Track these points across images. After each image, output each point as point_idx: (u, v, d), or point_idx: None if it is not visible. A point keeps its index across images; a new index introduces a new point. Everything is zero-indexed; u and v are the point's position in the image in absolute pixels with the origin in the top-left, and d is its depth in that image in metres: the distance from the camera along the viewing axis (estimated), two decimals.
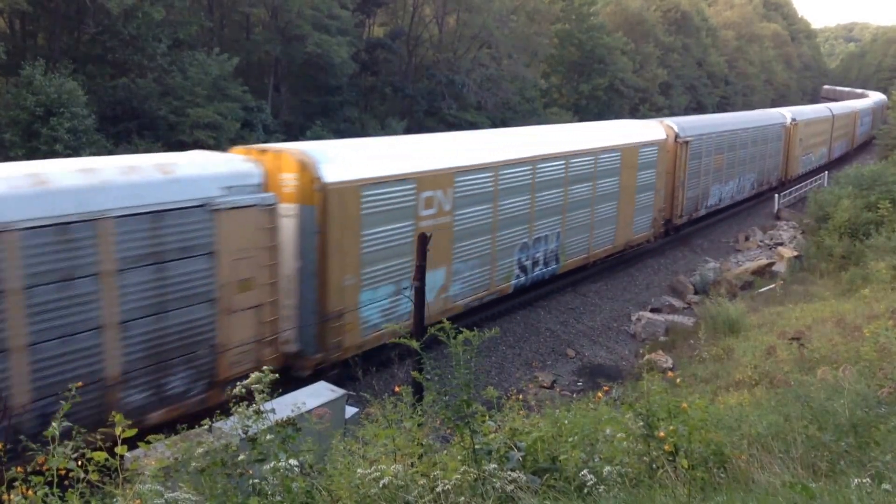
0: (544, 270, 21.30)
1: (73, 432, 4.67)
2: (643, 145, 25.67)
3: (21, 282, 9.74)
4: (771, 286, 23.74)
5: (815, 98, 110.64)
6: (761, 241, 32.99)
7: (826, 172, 45.85)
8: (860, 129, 64.16)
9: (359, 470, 4.83)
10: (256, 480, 4.50)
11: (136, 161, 12.07)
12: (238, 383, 5.03)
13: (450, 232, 17.26)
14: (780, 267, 26.69)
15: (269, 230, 12.94)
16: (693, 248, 31.00)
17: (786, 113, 43.89)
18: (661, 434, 5.30)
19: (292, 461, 4.47)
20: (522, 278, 20.38)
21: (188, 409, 11.84)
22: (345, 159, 14.99)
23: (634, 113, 57.43)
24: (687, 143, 28.94)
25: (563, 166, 21.21)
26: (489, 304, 19.58)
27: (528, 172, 19.74)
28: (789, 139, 42.32)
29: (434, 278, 16.43)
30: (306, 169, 13.95)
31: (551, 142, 21.71)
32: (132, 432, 4.75)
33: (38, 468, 4.55)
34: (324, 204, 13.92)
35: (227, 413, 5.35)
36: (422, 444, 5.30)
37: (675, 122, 29.34)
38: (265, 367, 5.09)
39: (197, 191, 11.82)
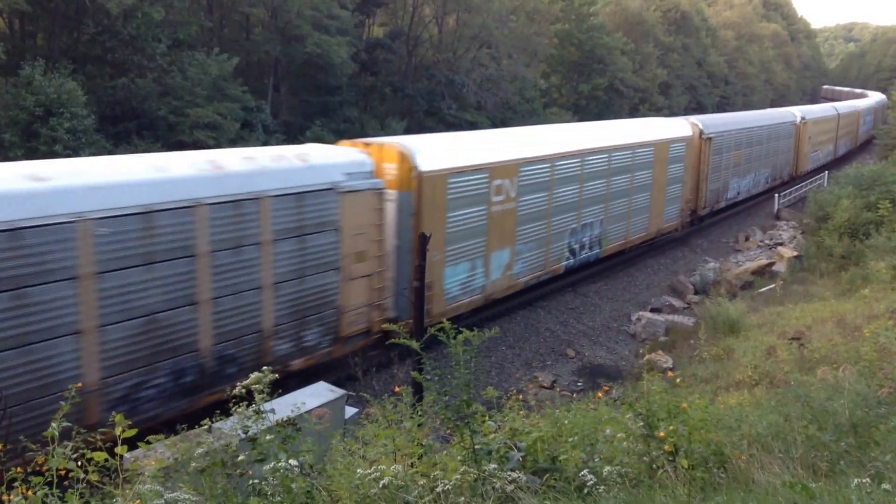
0: (589, 254, 23.62)
1: (73, 433, 4.67)
2: (672, 141, 27.89)
3: (208, 247, 12.01)
4: (771, 286, 23.73)
5: (814, 98, 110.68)
6: (761, 241, 32.99)
7: (826, 172, 46.01)
8: (863, 128, 65.68)
9: (359, 470, 4.83)
10: (256, 481, 4.50)
11: (282, 151, 14.67)
12: (238, 384, 5.03)
13: (514, 217, 19.48)
14: (780, 267, 26.69)
15: (378, 211, 15.39)
16: (693, 248, 31.00)
17: (796, 112, 45.77)
18: (661, 434, 5.29)
19: (292, 461, 4.46)
20: (571, 260, 22.67)
21: (318, 360, 14.38)
22: (434, 151, 17.18)
23: (634, 113, 57.43)
24: (710, 139, 31.09)
25: (606, 159, 23.50)
26: (537, 286, 21.67)
27: (578, 165, 22.05)
28: (799, 137, 44.15)
29: (500, 258, 19.06)
30: (405, 159, 16.15)
31: (597, 137, 23.98)
32: (132, 433, 4.75)
33: (37, 468, 4.55)
34: (419, 190, 16.17)
35: (229, 410, 5.34)
36: (422, 445, 5.30)
37: (700, 120, 31.52)
38: (264, 368, 5.09)
39: (327, 176, 14.28)
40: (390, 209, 15.90)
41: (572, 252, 22.52)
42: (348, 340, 15.02)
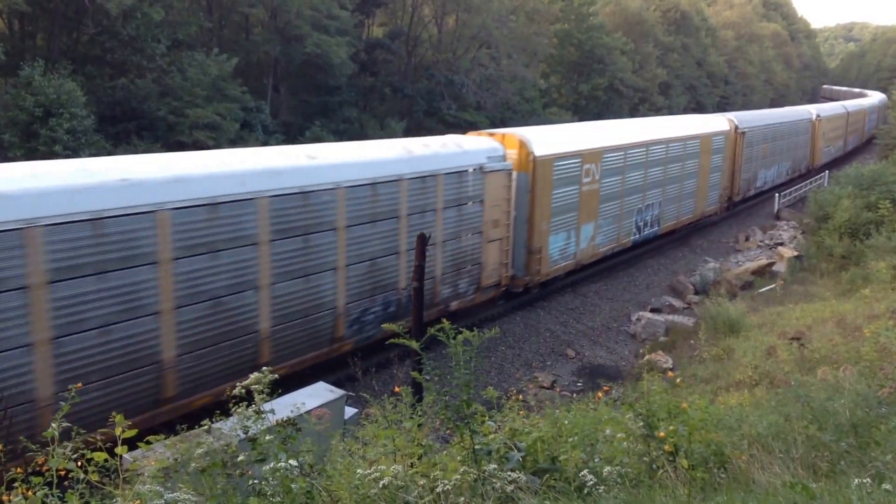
0: (649, 231, 27.36)
1: (73, 433, 4.67)
2: (714, 134, 31.80)
3: (406, 211, 15.91)
4: (771, 286, 23.72)
5: (814, 98, 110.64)
6: (761, 241, 32.97)
7: (827, 172, 46.19)
8: (868, 125, 68.52)
9: (359, 470, 4.82)
10: (256, 481, 4.49)
11: (443, 140, 18.45)
12: (237, 383, 5.03)
13: (597, 196, 23.27)
14: (780, 267, 26.67)
15: (507, 187, 19.10)
16: (693, 248, 31.01)
17: (812, 109, 49.90)
18: (662, 434, 5.29)
19: (292, 462, 4.46)
20: (637, 236, 26.38)
21: (464, 305, 18.46)
22: (542, 140, 20.75)
23: (634, 113, 57.43)
24: (744, 133, 35.00)
25: (664, 149, 27.28)
26: (611, 256, 25.43)
27: (643, 153, 25.72)
28: (815, 133, 47.91)
29: (587, 230, 23.22)
30: (524, 146, 19.86)
31: (657, 130, 27.89)
32: (132, 433, 4.75)
33: (37, 468, 4.54)
34: (533, 171, 19.91)
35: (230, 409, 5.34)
36: (421, 445, 5.29)
37: (735, 116, 35.86)
38: (264, 368, 5.08)
39: (476, 159, 18.03)
40: (513, 186, 19.52)
41: (638, 228, 26.35)
42: (485, 290, 19.15)
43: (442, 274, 17.35)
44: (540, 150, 20.07)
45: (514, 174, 19.44)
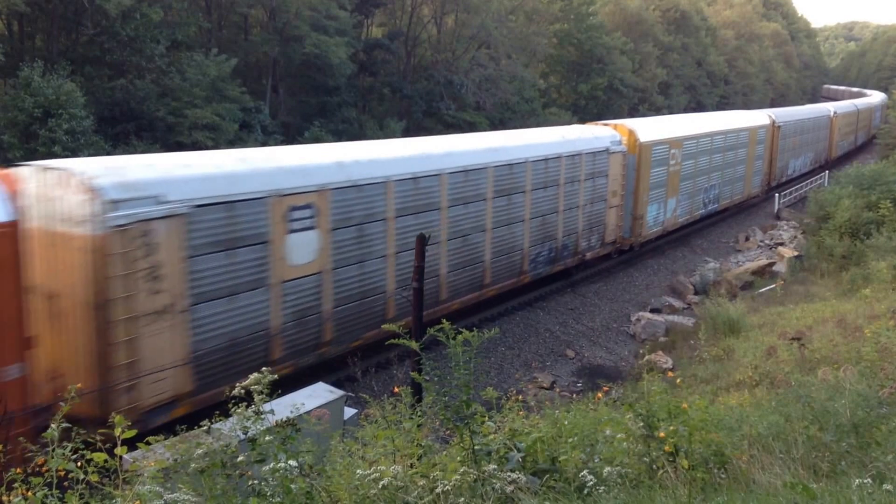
0: (712, 207, 33.29)
1: (73, 434, 4.66)
2: (759, 127, 38.05)
3: (563, 181, 21.91)
4: (771, 286, 23.70)
5: (814, 97, 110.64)
6: (761, 241, 32.98)
7: (827, 172, 46.36)
8: (875, 122, 72.60)
9: (358, 471, 4.82)
10: (256, 481, 4.48)
11: (580, 130, 24.44)
12: (238, 384, 5.02)
13: (678, 176, 28.95)
14: (780, 267, 26.67)
15: (623, 165, 24.99)
16: (693, 248, 31.01)
17: (829, 107, 56.17)
18: (662, 434, 5.28)
19: (292, 462, 4.45)
20: (703, 210, 32.37)
21: (593, 255, 24.40)
22: (645, 129, 26.66)
23: (634, 113, 57.42)
24: (779, 127, 41.04)
25: (723, 139, 33.19)
26: (686, 226, 31.28)
27: (709, 141, 31.64)
28: (832, 128, 53.82)
29: (671, 203, 28.74)
30: (632, 134, 25.64)
31: (717, 122, 34.31)
32: (132, 433, 4.74)
33: (37, 469, 4.53)
34: (639, 154, 25.74)
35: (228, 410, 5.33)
36: (421, 445, 5.29)
37: (773, 112, 42.43)
38: (264, 369, 5.08)
39: (604, 143, 23.97)
40: (626, 165, 25.17)
41: (704, 204, 32.23)
42: (605, 246, 25.02)
43: (582, 230, 23.31)
44: (643, 137, 25.94)
45: (627, 156, 25.26)
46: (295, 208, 13.67)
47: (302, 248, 13.89)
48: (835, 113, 53.87)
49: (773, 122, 40.05)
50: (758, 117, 39.08)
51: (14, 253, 9.62)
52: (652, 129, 27.29)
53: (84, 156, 22.27)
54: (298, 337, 14.14)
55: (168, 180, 11.91)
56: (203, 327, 12.33)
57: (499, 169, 19.00)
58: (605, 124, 25.76)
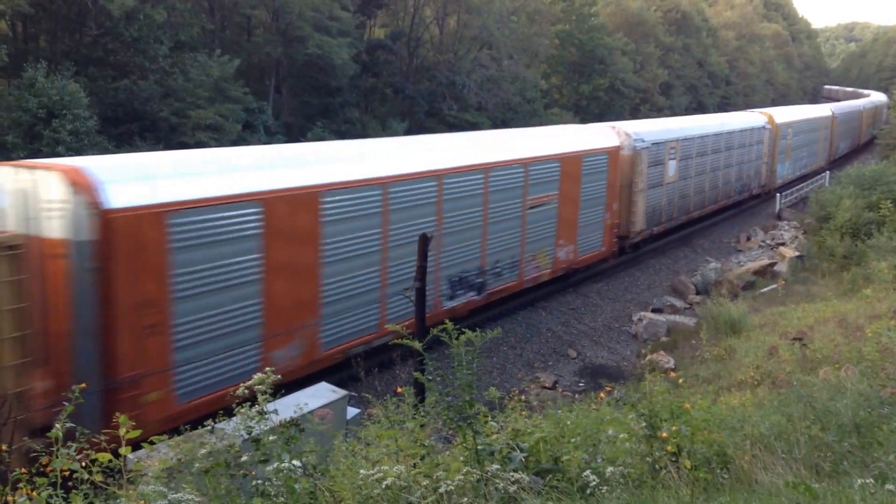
0: (801, 172, 44.51)
1: (77, 434, 4.68)
2: (824, 118, 49.25)
3: (727, 148, 33.59)
4: (772, 286, 23.69)
5: (815, 98, 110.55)
6: (763, 241, 32.96)
7: (827, 172, 46.33)
8: (879, 122, 73.66)
9: (361, 471, 4.83)
10: (259, 481, 4.50)
11: (745, 113, 39.01)
12: (241, 384, 5.04)
13: (791, 147, 40.16)
14: (781, 267, 26.65)
15: (770, 139, 38.57)
16: (694, 247, 31.01)
17: (832, 108, 61.93)
18: (664, 434, 5.29)
19: (295, 462, 4.47)
20: (800, 172, 44.05)
21: (759, 191, 38.74)
22: (779, 114, 39.13)
23: (635, 113, 57.40)
24: (836, 117, 52.51)
25: (809, 124, 45.13)
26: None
27: (807, 125, 43.99)
28: (861, 119, 63.44)
29: (788, 164, 41.31)
30: (771, 118, 38.49)
31: (808, 112, 47.61)
32: (136, 433, 4.76)
33: (41, 469, 4.55)
34: (776, 132, 38.09)
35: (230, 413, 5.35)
36: (424, 445, 5.30)
37: (832, 106, 54.81)
38: (267, 368, 5.10)
39: (760, 123, 37.69)
40: (769, 138, 37.97)
41: (799, 168, 44.23)
42: (762, 187, 37.81)
43: (753, 175, 35.31)
44: (778, 120, 38.47)
45: (770, 132, 36.39)
46: None
47: None
48: (863, 108, 67.15)
49: (833, 115, 52.95)
50: (822, 110, 52.51)
51: None
52: (783, 114, 41.26)
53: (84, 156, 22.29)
54: None
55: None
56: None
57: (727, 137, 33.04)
58: (753, 111, 41.11)
